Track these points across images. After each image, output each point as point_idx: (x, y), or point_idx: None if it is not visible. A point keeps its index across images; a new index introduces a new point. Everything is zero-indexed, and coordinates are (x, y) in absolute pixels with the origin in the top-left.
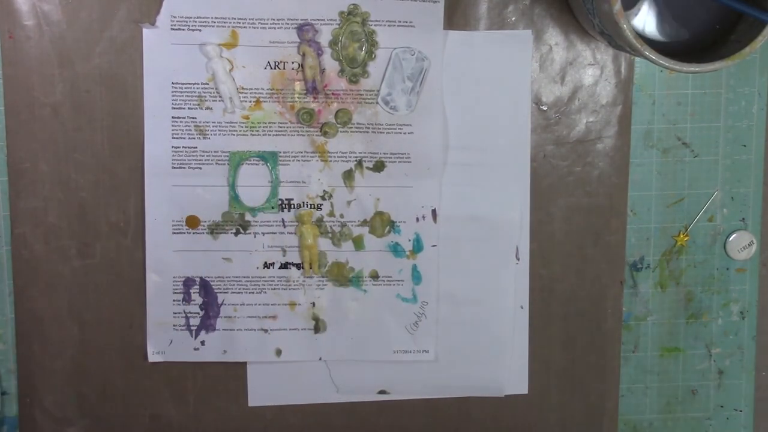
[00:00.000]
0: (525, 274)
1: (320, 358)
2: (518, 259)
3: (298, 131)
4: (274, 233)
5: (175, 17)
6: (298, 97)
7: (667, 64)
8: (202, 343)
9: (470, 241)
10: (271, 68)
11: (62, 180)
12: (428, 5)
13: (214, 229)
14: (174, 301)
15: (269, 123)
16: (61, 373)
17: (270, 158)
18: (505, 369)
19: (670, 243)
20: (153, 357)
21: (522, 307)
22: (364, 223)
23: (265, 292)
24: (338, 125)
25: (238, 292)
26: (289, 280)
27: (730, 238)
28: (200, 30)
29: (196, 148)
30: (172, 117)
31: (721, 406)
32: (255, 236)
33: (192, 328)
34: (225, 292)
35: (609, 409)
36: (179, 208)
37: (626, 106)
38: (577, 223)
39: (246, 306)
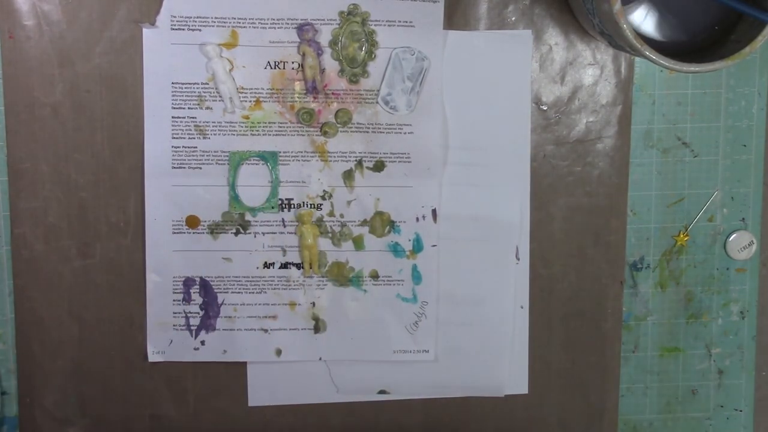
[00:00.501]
0: (525, 274)
1: (320, 358)
2: (518, 259)
3: (298, 131)
4: (274, 233)
5: (175, 17)
6: (298, 97)
7: (667, 64)
8: (202, 343)
9: (470, 241)
10: (271, 68)
11: (62, 180)
12: (428, 5)
13: (214, 229)
14: (174, 301)
15: (269, 123)
16: (61, 373)
17: (270, 158)
18: (505, 369)
19: (670, 243)
20: (153, 357)
21: (522, 307)
22: (364, 223)
23: (265, 292)
24: (338, 125)
25: (238, 292)
26: (289, 280)
27: (730, 238)
28: (200, 30)
29: (196, 148)
30: (172, 117)
31: (721, 406)
32: (255, 236)
33: (192, 328)
34: (225, 292)
35: (609, 409)
36: (179, 208)
37: (626, 106)
38: (577, 223)
39: (246, 306)
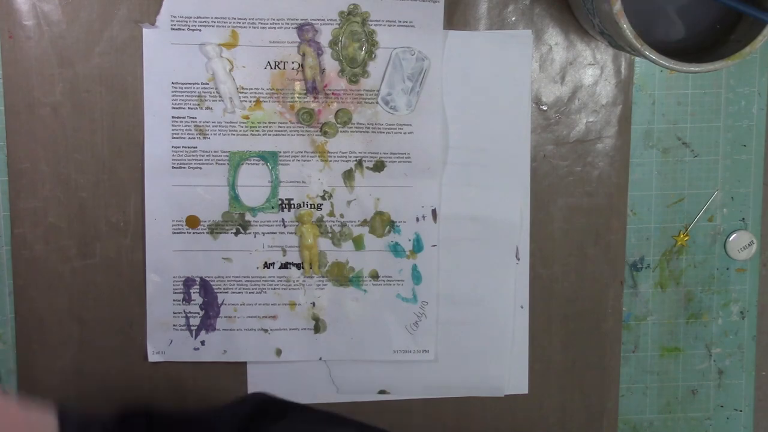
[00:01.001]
0: (525, 274)
1: (320, 358)
2: (518, 259)
3: (298, 131)
4: (274, 233)
5: (175, 17)
6: (298, 97)
7: (667, 64)
8: (202, 343)
9: (470, 241)
10: (271, 68)
11: (62, 180)
12: (428, 5)
13: (214, 229)
14: (174, 301)
15: (269, 123)
16: (61, 373)
17: (270, 158)
18: (505, 369)
19: (670, 243)
20: (153, 357)
21: (522, 307)
22: (364, 223)
23: (265, 292)
24: (338, 125)
25: (238, 292)
26: (289, 280)
27: (730, 238)
28: (200, 30)
29: (196, 148)
30: (172, 117)
31: (721, 406)
32: (255, 236)
33: (192, 328)
34: (225, 292)
35: (609, 409)
36: (179, 208)
37: (626, 106)
38: (577, 223)
39: (246, 306)
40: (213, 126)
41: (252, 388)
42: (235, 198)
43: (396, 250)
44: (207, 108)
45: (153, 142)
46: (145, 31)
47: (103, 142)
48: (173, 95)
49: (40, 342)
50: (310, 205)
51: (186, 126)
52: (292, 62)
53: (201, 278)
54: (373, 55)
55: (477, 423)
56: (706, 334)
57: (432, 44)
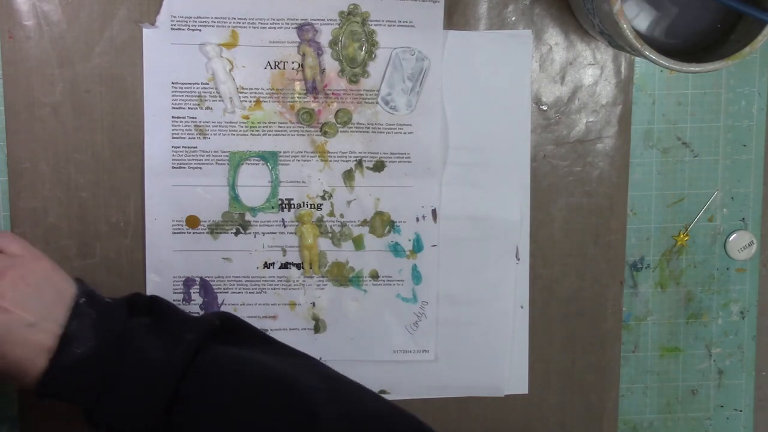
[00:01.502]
0: (525, 274)
1: (320, 358)
2: (518, 259)
3: (298, 131)
4: (274, 233)
5: (175, 17)
6: (298, 97)
7: (667, 64)
8: None
9: (470, 241)
10: (271, 68)
11: (62, 180)
12: (428, 5)
13: (214, 229)
14: (174, 301)
15: (269, 123)
16: None
17: (270, 158)
18: (505, 369)
19: (670, 243)
20: None
21: (522, 307)
22: (364, 223)
23: (265, 292)
24: (338, 125)
25: (238, 292)
26: (289, 280)
27: (730, 238)
28: (200, 30)
29: (196, 148)
30: (172, 117)
31: (721, 406)
32: (255, 236)
33: None
34: (225, 292)
35: (609, 409)
36: (179, 208)
37: (626, 106)
38: (577, 223)
39: (246, 306)
40: (213, 126)
41: None
42: (235, 198)
43: (396, 250)
44: (207, 108)
45: (153, 142)
46: (145, 31)
47: (103, 142)
48: (173, 95)
49: None
50: (310, 205)
51: (186, 126)
52: (292, 62)
53: (201, 278)
54: (373, 55)
55: (477, 423)
56: (706, 334)
57: (432, 44)
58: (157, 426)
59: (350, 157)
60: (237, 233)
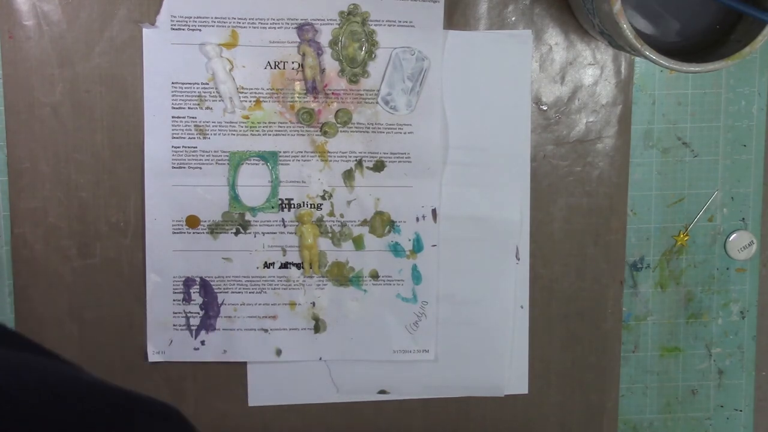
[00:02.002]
0: (525, 274)
1: (320, 358)
2: (518, 259)
3: (298, 131)
4: (274, 233)
5: (175, 17)
6: (298, 97)
7: (667, 64)
8: (202, 343)
9: (470, 241)
10: (271, 68)
11: (62, 180)
12: (428, 5)
13: (214, 229)
14: (174, 301)
15: (269, 123)
16: None
17: (270, 158)
18: (505, 369)
19: (670, 243)
20: (153, 357)
21: (522, 307)
22: (364, 222)
23: (265, 292)
24: (338, 125)
25: (238, 292)
26: (289, 280)
27: (730, 238)
28: (200, 30)
29: (196, 148)
30: (172, 117)
31: (721, 406)
32: (255, 236)
33: (192, 327)
34: (225, 292)
35: (609, 409)
36: (179, 208)
37: (626, 106)
38: (577, 223)
39: (246, 306)
40: (213, 126)
41: (252, 388)
42: (235, 198)
43: (396, 250)
44: (207, 108)
45: (153, 142)
46: (145, 31)
47: (103, 142)
48: (173, 95)
49: (40, 342)
50: (310, 205)
51: (186, 126)
52: (292, 62)
53: (201, 278)
54: (373, 55)
55: (477, 423)
56: (706, 334)
57: (432, 44)
58: None
59: (350, 157)
60: (237, 233)
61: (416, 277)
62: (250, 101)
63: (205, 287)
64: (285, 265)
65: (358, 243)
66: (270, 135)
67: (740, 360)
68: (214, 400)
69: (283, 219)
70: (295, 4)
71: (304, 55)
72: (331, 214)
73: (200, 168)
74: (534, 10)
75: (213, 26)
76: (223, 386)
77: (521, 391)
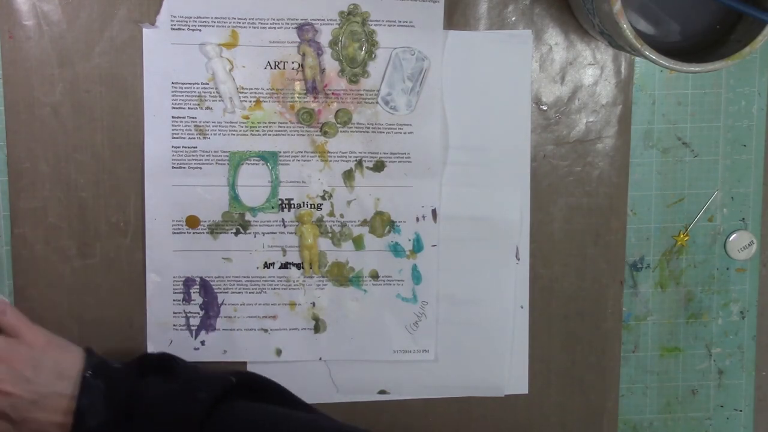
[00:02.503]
0: (525, 274)
1: (320, 358)
2: (518, 259)
3: (298, 131)
4: (274, 233)
5: (175, 17)
6: (298, 97)
7: (667, 64)
8: (202, 343)
9: (470, 241)
10: (271, 68)
11: (62, 180)
12: (428, 5)
13: (214, 229)
14: (174, 301)
15: (269, 123)
16: None
17: (270, 158)
18: (505, 369)
19: (670, 243)
20: None
21: (522, 307)
22: (364, 223)
23: (265, 292)
24: (338, 125)
25: (238, 292)
26: (289, 280)
27: (730, 238)
28: (200, 30)
29: (196, 148)
30: (172, 117)
31: (721, 406)
32: (255, 236)
33: (192, 328)
34: (225, 292)
35: (609, 409)
36: (179, 208)
37: (626, 106)
38: (577, 223)
39: (246, 306)
40: (213, 126)
41: None
42: (235, 198)
43: (396, 250)
44: (207, 108)
45: (153, 142)
46: (145, 31)
47: (103, 142)
48: (173, 95)
49: None
50: (310, 205)
51: (186, 126)
52: (292, 62)
53: (201, 278)
54: (373, 55)
55: (477, 423)
56: (706, 334)
57: (432, 44)
58: None
59: (350, 157)
60: (237, 233)
61: (416, 277)
62: (250, 101)
63: (205, 287)
64: (285, 265)
65: (358, 243)
66: (270, 135)
67: (740, 360)
68: None
69: (283, 219)
70: (295, 4)
71: (304, 55)
72: (331, 214)
73: (200, 168)
74: (534, 10)
75: (213, 26)
76: None
77: (521, 391)
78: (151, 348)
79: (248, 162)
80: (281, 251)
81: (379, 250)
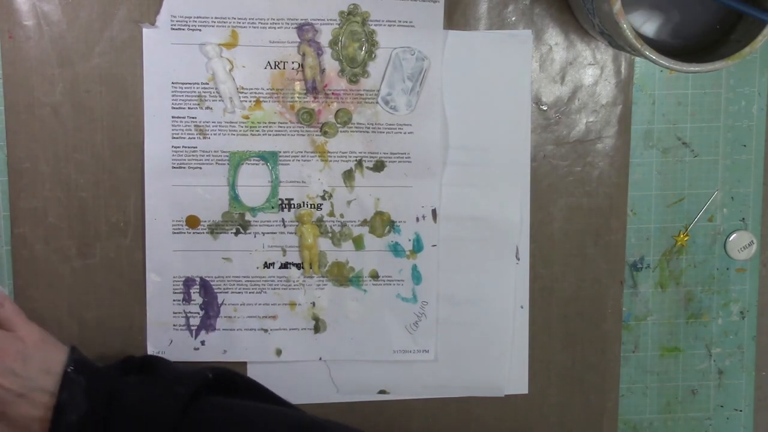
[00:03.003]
0: (525, 274)
1: (320, 358)
2: (518, 259)
3: (298, 131)
4: (274, 233)
5: (175, 17)
6: (298, 97)
7: (667, 64)
8: (202, 343)
9: (470, 241)
10: (271, 68)
11: (62, 180)
12: (428, 5)
13: (214, 229)
14: (174, 301)
15: (269, 123)
16: None
17: (270, 158)
18: (505, 369)
19: (670, 243)
20: None
21: (522, 307)
22: (364, 222)
23: (265, 292)
24: (338, 125)
25: (238, 292)
26: (289, 280)
27: (730, 238)
28: (200, 30)
29: (196, 148)
30: (172, 117)
31: (721, 406)
32: (255, 236)
33: (192, 328)
34: (225, 292)
35: (609, 409)
36: (179, 208)
37: (626, 106)
38: (577, 223)
39: (246, 306)
40: (213, 126)
41: None
42: (235, 198)
43: (396, 250)
44: (207, 108)
45: (153, 142)
46: (145, 31)
47: (103, 142)
48: (173, 95)
49: None
50: (310, 205)
51: (186, 126)
52: (292, 62)
53: (201, 278)
54: (373, 55)
55: (477, 423)
56: (706, 334)
57: (432, 44)
58: None
59: (350, 157)
60: (237, 233)
61: (416, 277)
62: (250, 101)
63: (205, 287)
64: (285, 265)
65: (358, 243)
66: (270, 135)
67: (740, 360)
68: None
69: (283, 219)
70: (295, 4)
71: (304, 55)
72: (331, 214)
73: (200, 168)
74: (534, 10)
75: (213, 26)
76: None
77: (521, 391)
78: (151, 348)
79: (248, 162)
80: (281, 251)
81: (379, 250)
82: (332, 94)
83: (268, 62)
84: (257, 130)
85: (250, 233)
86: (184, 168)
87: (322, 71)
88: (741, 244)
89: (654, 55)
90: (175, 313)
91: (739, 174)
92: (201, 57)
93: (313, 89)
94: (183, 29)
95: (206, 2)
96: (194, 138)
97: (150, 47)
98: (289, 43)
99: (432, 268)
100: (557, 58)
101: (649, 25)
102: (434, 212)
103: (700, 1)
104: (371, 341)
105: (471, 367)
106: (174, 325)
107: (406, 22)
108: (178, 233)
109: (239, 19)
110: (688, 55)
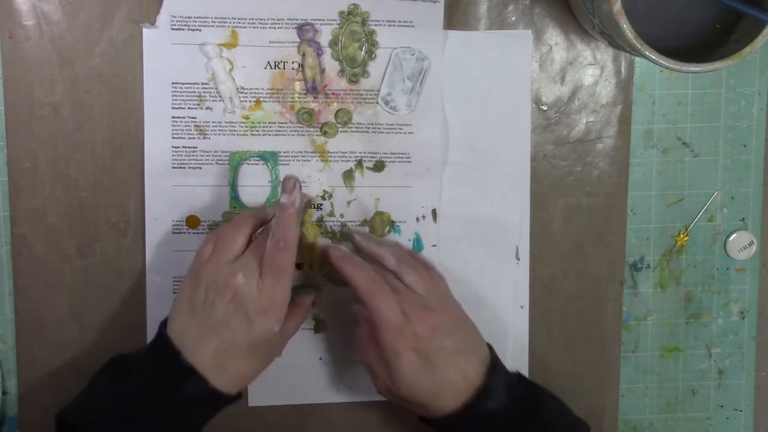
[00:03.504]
0: (525, 274)
1: (320, 358)
2: (518, 259)
3: (298, 131)
4: None
5: (175, 17)
6: (298, 97)
7: (667, 64)
8: None
9: (470, 241)
10: (271, 68)
11: (62, 180)
12: (428, 5)
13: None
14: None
15: (269, 123)
16: (61, 373)
17: (270, 158)
18: None
19: (670, 243)
20: None
21: (522, 307)
22: (364, 222)
23: None
24: (338, 125)
25: None
26: None
27: (730, 238)
28: (200, 30)
29: (196, 148)
30: (172, 117)
31: (721, 406)
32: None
33: None
34: None
35: (609, 409)
36: (179, 208)
37: (626, 106)
38: (577, 223)
39: None
40: (213, 126)
41: (252, 388)
42: (235, 198)
43: None
44: (207, 108)
45: (153, 142)
46: (145, 31)
47: (103, 142)
48: (173, 95)
49: (40, 342)
50: (311, 205)
51: (186, 126)
52: (292, 62)
53: None
54: (373, 55)
55: None
56: (706, 334)
57: (432, 44)
58: None
59: (350, 157)
60: None
61: None
62: (250, 101)
63: None
64: None
65: None
66: (270, 135)
67: (740, 360)
68: None
69: None
70: (295, 4)
71: (304, 55)
72: (331, 214)
73: (200, 168)
74: (534, 10)
75: (213, 26)
76: None
77: None
78: None
79: (248, 162)
80: None
81: None
82: (332, 94)
83: (268, 62)
84: (257, 130)
85: None
86: (184, 168)
87: (322, 71)
88: (741, 244)
89: (654, 55)
90: None
91: (739, 174)
92: (201, 57)
93: (313, 89)
94: (183, 29)
95: (206, 2)
96: (194, 138)
97: (150, 47)
98: (289, 43)
99: None
100: (557, 58)
101: (649, 25)
102: (434, 212)
103: (700, 1)
104: None
105: None
106: None
107: (406, 22)
108: (178, 233)
109: (239, 19)
110: (688, 55)
